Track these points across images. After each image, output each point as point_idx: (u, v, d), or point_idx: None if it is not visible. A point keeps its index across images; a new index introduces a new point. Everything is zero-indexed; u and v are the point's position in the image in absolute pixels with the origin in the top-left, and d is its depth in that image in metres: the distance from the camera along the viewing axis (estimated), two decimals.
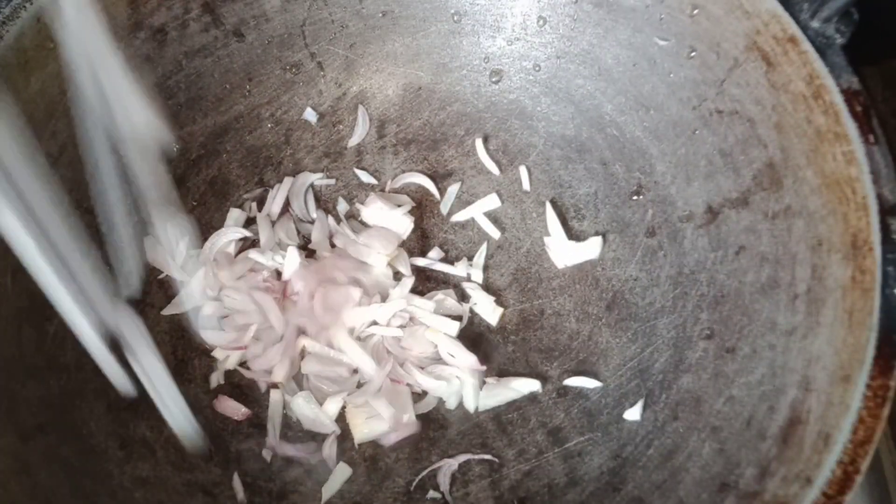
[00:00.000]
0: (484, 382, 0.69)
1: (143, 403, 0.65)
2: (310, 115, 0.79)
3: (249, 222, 0.76)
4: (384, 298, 0.71)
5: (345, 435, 0.68)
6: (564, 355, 0.71)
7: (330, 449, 0.67)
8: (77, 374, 0.64)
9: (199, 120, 0.75)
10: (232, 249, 0.73)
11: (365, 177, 0.79)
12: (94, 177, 0.60)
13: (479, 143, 0.79)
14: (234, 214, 0.76)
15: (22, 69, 0.60)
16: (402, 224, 0.74)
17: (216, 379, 0.69)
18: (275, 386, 0.68)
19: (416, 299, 0.71)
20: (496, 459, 0.67)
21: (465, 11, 0.77)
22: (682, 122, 0.68)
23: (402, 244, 0.75)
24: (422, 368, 0.69)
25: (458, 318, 0.72)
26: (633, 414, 0.66)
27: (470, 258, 0.75)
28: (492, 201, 0.77)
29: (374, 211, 0.75)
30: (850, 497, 0.48)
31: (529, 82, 0.78)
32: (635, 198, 0.73)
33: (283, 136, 0.79)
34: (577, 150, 0.77)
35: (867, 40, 0.58)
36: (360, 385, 0.69)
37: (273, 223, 0.76)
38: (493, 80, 0.80)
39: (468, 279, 0.74)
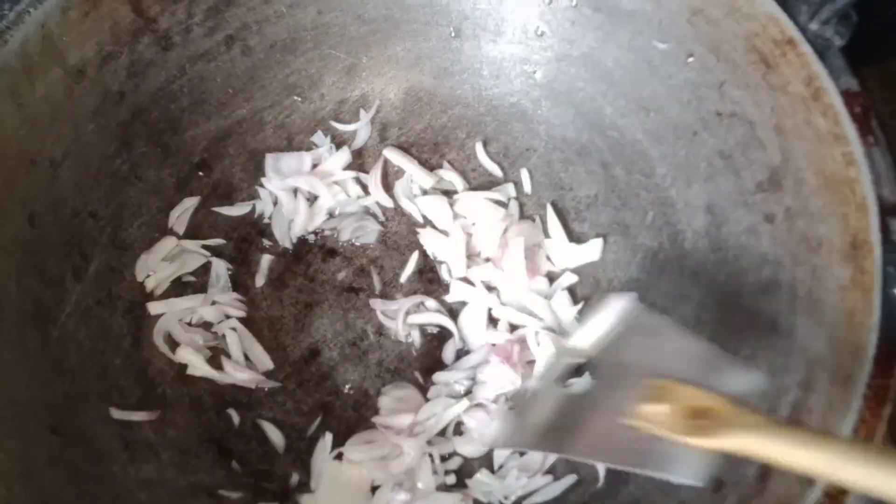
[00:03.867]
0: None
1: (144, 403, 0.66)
2: (319, 138, 0.80)
3: None
4: None
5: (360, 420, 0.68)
6: None
7: None
8: (81, 378, 0.64)
9: (202, 124, 0.75)
10: None
11: (366, 178, 0.79)
12: None
13: (478, 146, 0.80)
14: None
15: (26, 74, 0.61)
16: None
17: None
18: None
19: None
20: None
21: (466, 16, 0.77)
22: (682, 125, 0.68)
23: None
24: None
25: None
26: None
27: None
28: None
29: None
30: (852, 497, 0.48)
31: (530, 86, 0.79)
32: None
33: (285, 139, 0.79)
34: (577, 152, 0.77)
35: (866, 41, 0.58)
36: None
37: None
38: (494, 83, 0.80)
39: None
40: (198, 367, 0.69)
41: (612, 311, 0.52)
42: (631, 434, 0.46)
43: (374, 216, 0.78)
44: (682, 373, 0.47)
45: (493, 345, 0.70)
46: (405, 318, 0.72)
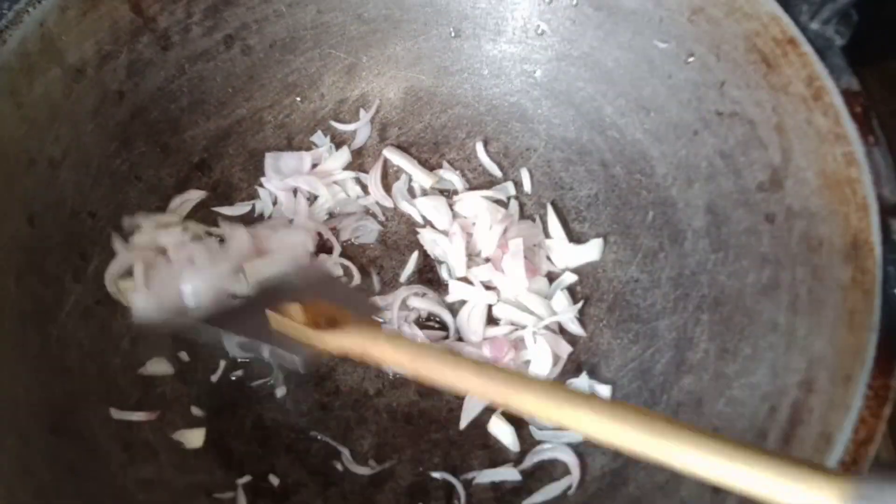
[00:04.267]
0: None
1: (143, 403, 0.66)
2: (319, 138, 0.80)
3: None
4: None
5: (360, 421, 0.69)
6: (566, 356, 0.71)
7: None
8: (80, 377, 0.64)
9: (201, 123, 0.75)
10: None
11: (365, 178, 0.79)
12: None
13: (479, 145, 0.80)
14: None
15: (25, 73, 0.61)
16: None
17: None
18: None
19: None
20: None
21: (466, 15, 0.77)
22: (683, 124, 0.68)
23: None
24: None
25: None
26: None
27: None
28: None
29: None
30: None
31: (530, 85, 0.78)
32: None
33: (285, 139, 0.79)
34: (577, 152, 0.77)
35: (865, 41, 0.58)
36: None
37: None
38: (494, 83, 0.80)
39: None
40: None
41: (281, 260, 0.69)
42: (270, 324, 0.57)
43: (374, 216, 0.78)
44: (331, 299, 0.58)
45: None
46: (399, 307, 0.72)
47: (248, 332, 0.60)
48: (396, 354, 0.49)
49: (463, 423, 0.69)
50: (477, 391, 0.46)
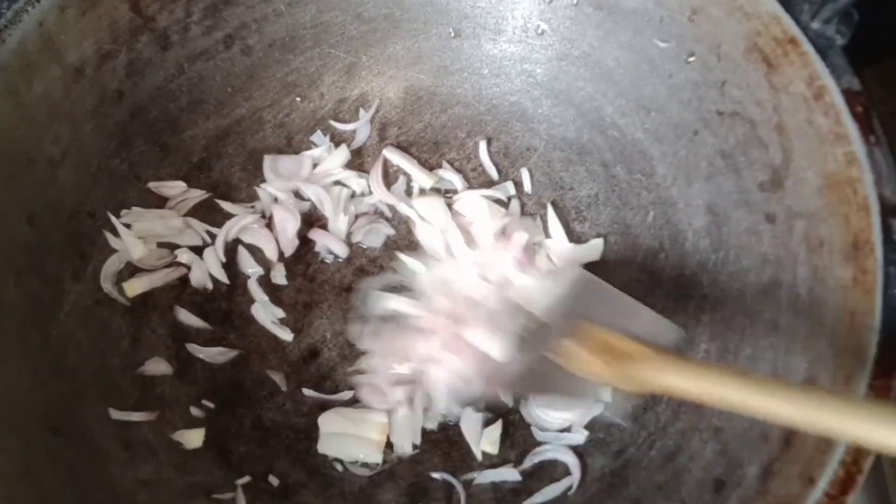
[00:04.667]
0: None
1: (143, 403, 0.66)
2: (318, 138, 0.80)
3: None
4: None
5: None
6: None
7: None
8: (80, 378, 0.64)
9: (200, 123, 0.75)
10: None
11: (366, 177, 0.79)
12: None
13: (482, 144, 0.79)
14: None
15: (24, 73, 0.60)
16: None
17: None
18: None
19: None
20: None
21: (465, 15, 0.77)
22: (683, 124, 0.68)
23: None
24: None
25: None
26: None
27: None
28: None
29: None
30: (853, 497, 0.48)
31: (530, 85, 0.78)
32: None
33: (284, 139, 0.79)
34: (578, 152, 0.77)
35: (867, 41, 0.58)
36: None
37: None
38: (494, 82, 0.80)
39: None
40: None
41: (562, 280, 0.62)
42: (563, 371, 0.53)
43: (386, 218, 0.78)
44: (615, 325, 0.54)
45: None
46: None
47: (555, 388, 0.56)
48: (702, 385, 0.45)
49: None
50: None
